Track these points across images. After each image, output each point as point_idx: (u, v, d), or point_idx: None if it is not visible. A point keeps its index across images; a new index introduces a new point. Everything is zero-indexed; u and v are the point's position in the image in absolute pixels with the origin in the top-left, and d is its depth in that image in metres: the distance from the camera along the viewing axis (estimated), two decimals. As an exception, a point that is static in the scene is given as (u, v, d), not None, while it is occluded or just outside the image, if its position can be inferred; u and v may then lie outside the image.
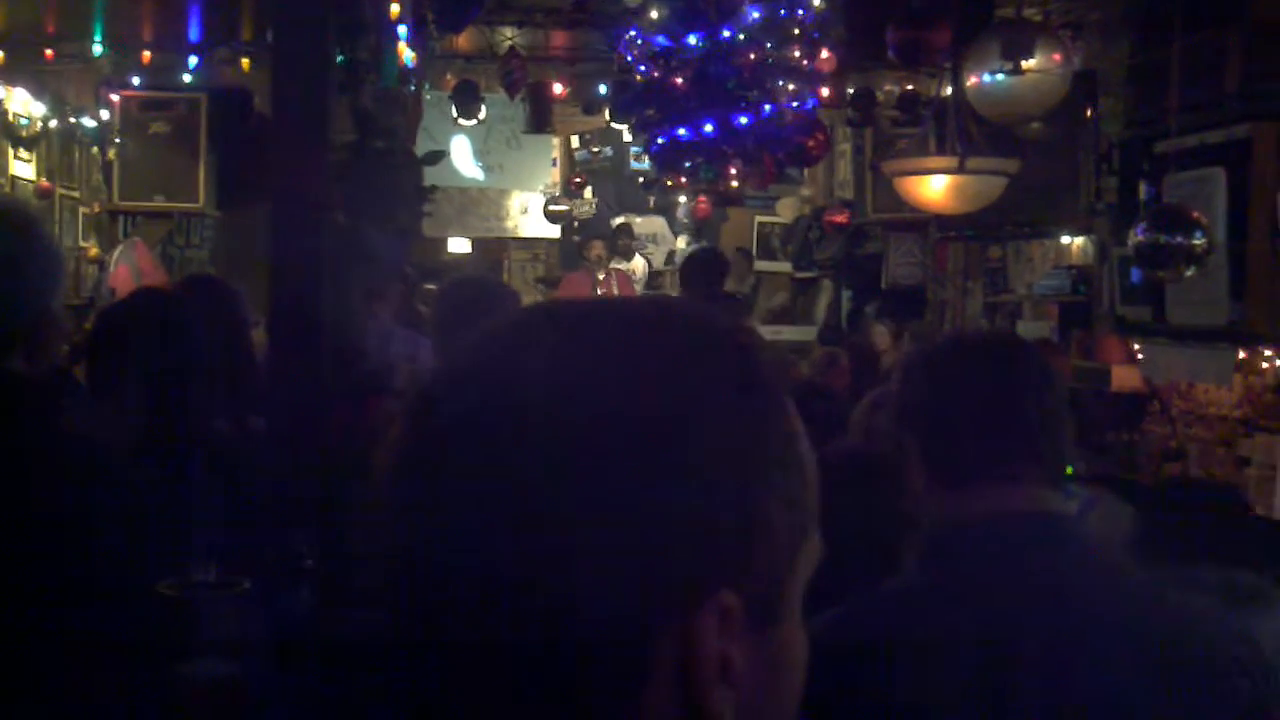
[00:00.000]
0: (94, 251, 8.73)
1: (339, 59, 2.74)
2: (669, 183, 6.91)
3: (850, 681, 1.47)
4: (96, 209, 8.90)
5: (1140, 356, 6.34)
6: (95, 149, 8.91)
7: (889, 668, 1.49)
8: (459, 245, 12.48)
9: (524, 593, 0.68)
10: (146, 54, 7.52)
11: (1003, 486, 1.61)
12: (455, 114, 8.50)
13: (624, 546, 0.68)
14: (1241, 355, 5.62)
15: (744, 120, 5.69)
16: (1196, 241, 4.42)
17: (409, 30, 5.59)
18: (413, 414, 0.74)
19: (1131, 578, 1.63)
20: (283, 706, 1.49)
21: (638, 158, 10.87)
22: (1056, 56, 5.94)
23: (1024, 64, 5.70)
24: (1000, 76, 5.78)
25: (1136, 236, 4.53)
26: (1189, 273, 4.48)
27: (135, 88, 8.24)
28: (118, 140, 8.43)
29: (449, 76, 8.55)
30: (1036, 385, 1.66)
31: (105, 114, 8.55)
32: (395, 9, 5.22)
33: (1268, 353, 5.66)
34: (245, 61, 7.31)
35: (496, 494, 0.68)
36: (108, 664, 1.49)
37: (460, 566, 0.69)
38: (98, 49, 7.20)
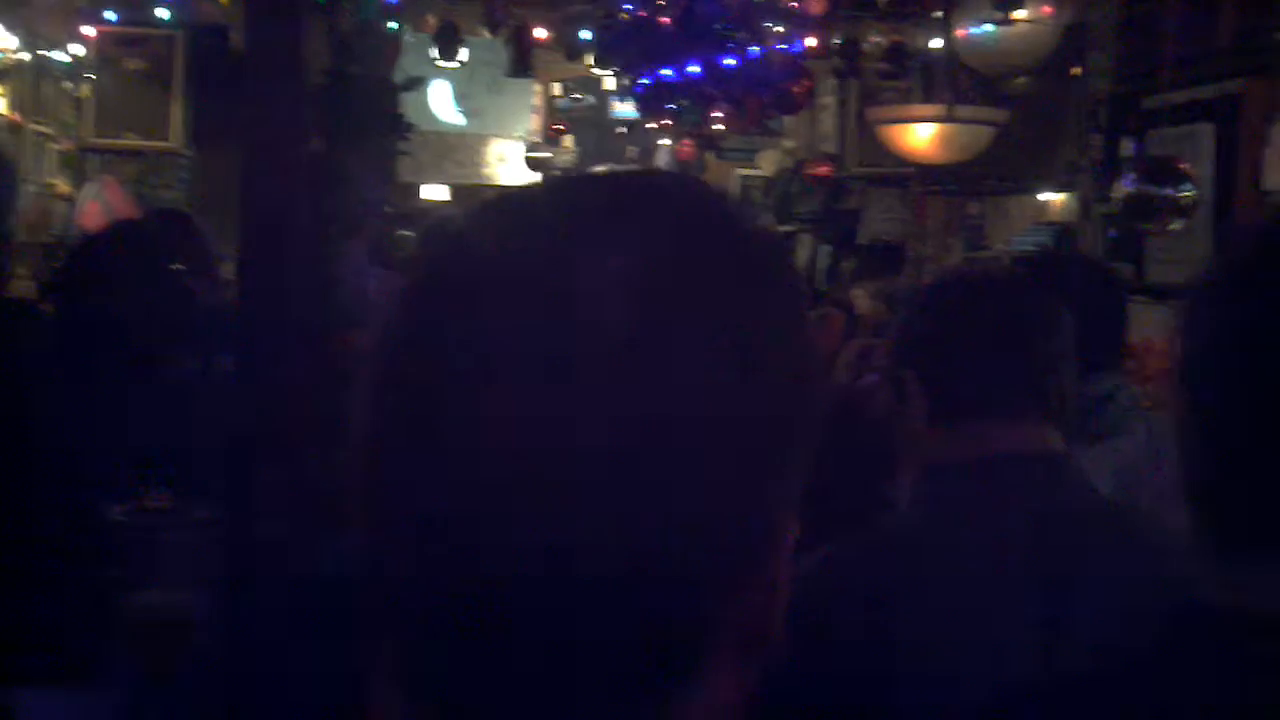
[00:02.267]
0: (64, 189, 8.58)
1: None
2: (652, 126, 6.82)
3: (841, 621, 1.42)
4: (68, 146, 8.75)
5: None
6: (68, 84, 8.74)
7: (881, 608, 1.44)
8: (436, 192, 12.36)
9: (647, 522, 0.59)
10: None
11: (1004, 424, 1.57)
12: (436, 55, 8.37)
13: (760, 467, 0.63)
14: (1222, 314, 5.59)
15: (730, 62, 5.60)
16: (1184, 194, 4.38)
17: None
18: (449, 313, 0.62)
19: (1130, 521, 1.59)
20: (236, 638, 1.44)
21: (620, 106, 10.77)
22: (1046, 9, 5.87)
23: (1014, 15, 5.63)
24: (989, 28, 5.72)
25: (1124, 188, 4.48)
26: (1175, 225, 4.44)
27: (110, 22, 8.09)
28: (90, 76, 8.29)
29: (429, 18, 8.41)
30: (1043, 324, 1.61)
31: (78, 48, 8.38)
32: (374, -59, 5.11)
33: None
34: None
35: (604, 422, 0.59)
36: (54, 589, 1.43)
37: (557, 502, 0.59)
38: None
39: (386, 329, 0.64)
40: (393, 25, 6.56)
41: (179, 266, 2.92)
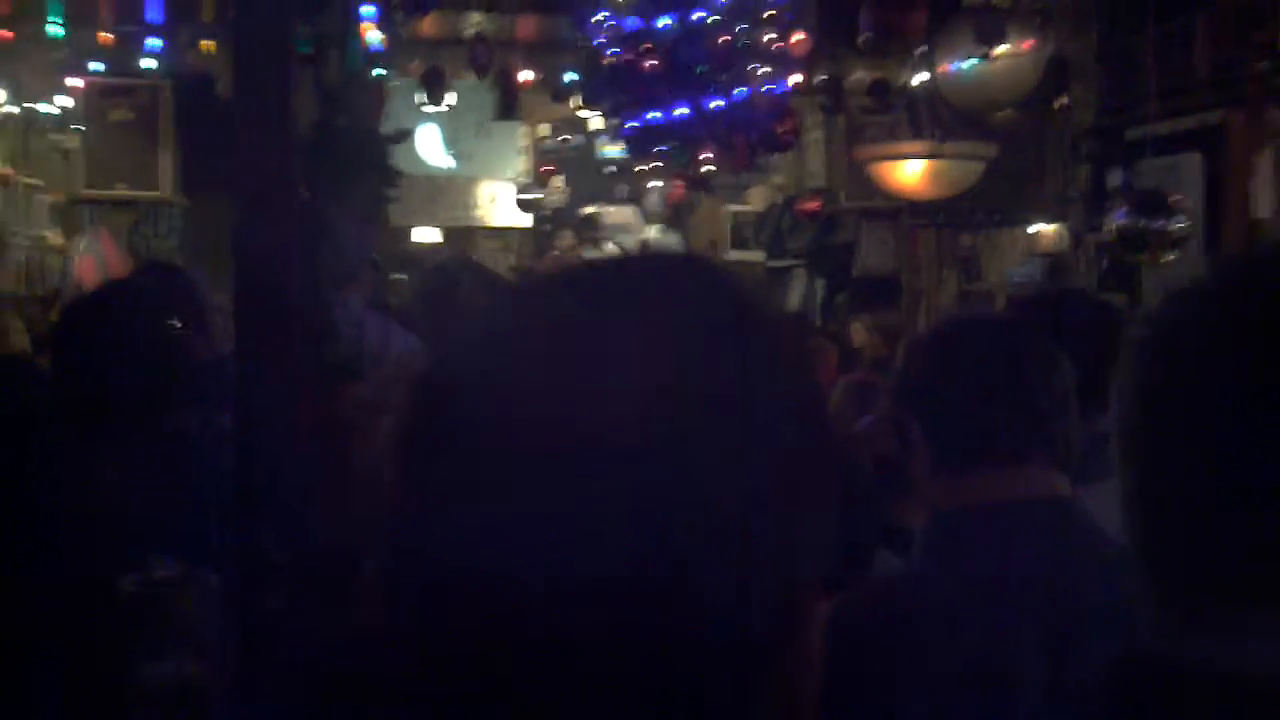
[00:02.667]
0: (57, 241, 8.57)
1: (301, 38, 2.66)
2: (640, 169, 6.85)
3: (852, 672, 1.41)
4: (59, 198, 8.75)
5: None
6: (56, 136, 8.75)
7: (891, 657, 1.44)
8: (428, 235, 12.36)
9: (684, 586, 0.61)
10: (107, 35, 7.34)
11: (1010, 470, 1.56)
12: (422, 101, 8.39)
13: (804, 520, 0.66)
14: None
15: (717, 104, 5.64)
16: (1178, 225, 4.40)
17: (375, 11, 5.51)
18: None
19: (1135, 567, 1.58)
20: (248, 706, 1.43)
21: (607, 146, 10.80)
22: (1027, 43, 5.92)
23: (995, 50, 5.67)
24: (971, 63, 5.75)
25: (1116, 221, 4.50)
26: (1170, 256, 4.46)
27: (97, 73, 8.11)
28: (76, 128, 8.29)
29: (415, 63, 8.44)
30: (1042, 368, 1.61)
31: (66, 100, 8.39)
32: (360, -12, 5.14)
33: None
34: (205, 44, 7.17)
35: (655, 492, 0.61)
36: (64, 663, 1.41)
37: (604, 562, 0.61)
38: (57, 30, 7.03)
39: (409, 408, 0.67)
40: (379, 72, 6.58)
41: (175, 323, 2.90)
